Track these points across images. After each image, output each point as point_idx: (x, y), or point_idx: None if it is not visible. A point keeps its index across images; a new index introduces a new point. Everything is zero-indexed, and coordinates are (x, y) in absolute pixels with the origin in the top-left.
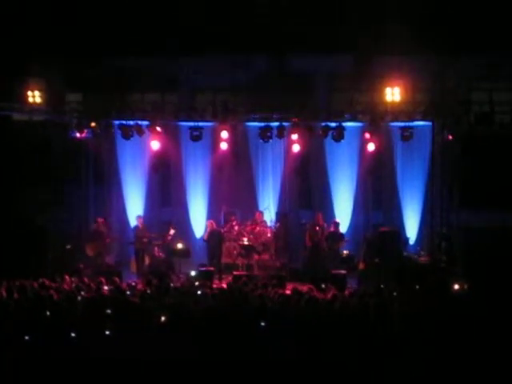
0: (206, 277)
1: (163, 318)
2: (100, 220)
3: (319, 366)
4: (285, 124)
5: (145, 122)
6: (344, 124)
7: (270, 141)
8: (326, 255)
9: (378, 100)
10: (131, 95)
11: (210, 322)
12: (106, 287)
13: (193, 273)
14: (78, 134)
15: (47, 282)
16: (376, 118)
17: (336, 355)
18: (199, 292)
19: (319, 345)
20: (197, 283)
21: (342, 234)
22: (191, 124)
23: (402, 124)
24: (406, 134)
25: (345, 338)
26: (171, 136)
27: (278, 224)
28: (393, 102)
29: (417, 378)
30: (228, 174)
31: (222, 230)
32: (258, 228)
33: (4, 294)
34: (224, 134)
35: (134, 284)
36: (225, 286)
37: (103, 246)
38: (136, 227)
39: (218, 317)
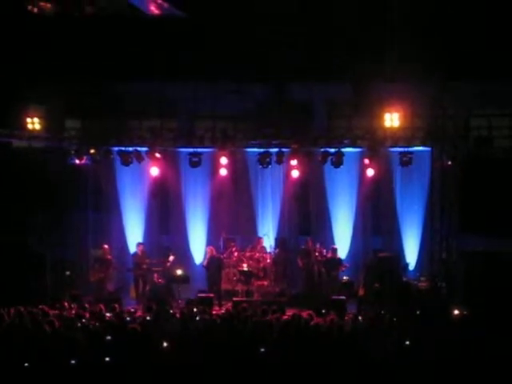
0: (205, 303)
1: (165, 345)
2: (105, 247)
3: None
4: (284, 150)
5: (144, 149)
6: (343, 150)
7: (270, 167)
8: (323, 280)
9: (377, 125)
10: (130, 122)
11: (210, 348)
12: (105, 314)
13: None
14: (77, 161)
15: (47, 309)
16: (375, 144)
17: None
18: (198, 318)
19: (318, 370)
20: (195, 309)
21: (339, 260)
22: (190, 150)
23: (401, 149)
24: (405, 160)
25: (344, 364)
26: (170, 162)
27: (278, 250)
28: (392, 128)
29: None
30: (227, 200)
31: (222, 256)
32: (257, 254)
33: (3, 320)
34: (223, 160)
35: (133, 310)
36: (224, 312)
37: (107, 272)
38: (135, 254)
39: (218, 343)
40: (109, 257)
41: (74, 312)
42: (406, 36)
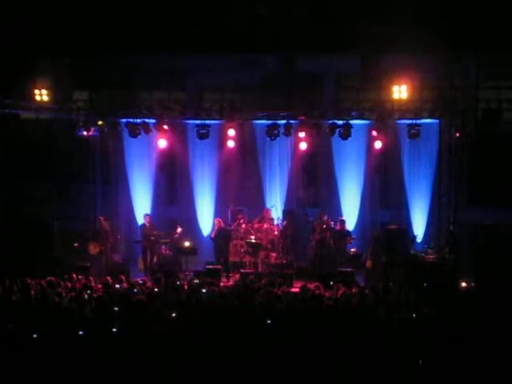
0: (213, 275)
1: (174, 315)
2: (102, 219)
3: (324, 364)
4: (292, 122)
5: (152, 120)
6: (351, 122)
7: (277, 139)
8: (332, 253)
9: (385, 98)
10: (138, 93)
11: (217, 319)
12: (113, 285)
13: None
14: (85, 132)
15: (55, 281)
16: (383, 116)
17: (340, 353)
18: (205, 290)
19: (325, 342)
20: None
21: (348, 232)
22: (198, 122)
23: (409, 121)
24: (413, 132)
25: (350, 336)
26: (178, 134)
27: (285, 222)
28: (400, 100)
29: (421, 376)
30: (235, 172)
31: (230, 228)
32: (265, 226)
33: (11, 291)
34: (231, 132)
35: (141, 282)
36: (232, 283)
37: (106, 244)
38: (143, 225)
39: (225, 315)
40: (105, 228)
41: (81, 283)
42: (415, 7)
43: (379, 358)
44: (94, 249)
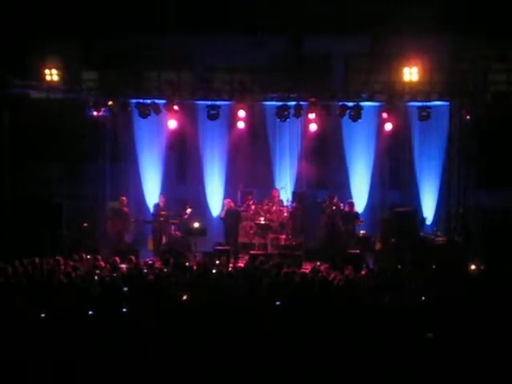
0: (222, 256)
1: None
2: (123, 199)
3: (333, 345)
4: (302, 103)
5: (162, 101)
6: (361, 104)
7: (287, 120)
8: (341, 235)
9: (395, 80)
10: (148, 73)
11: (226, 300)
12: (122, 265)
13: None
14: (95, 113)
15: (63, 260)
16: (393, 98)
17: (347, 334)
18: (215, 271)
19: (333, 324)
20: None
21: (356, 214)
22: (208, 103)
23: (420, 104)
24: (424, 114)
25: (358, 319)
26: (188, 115)
27: (295, 203)
28: (410, 82)
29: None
30: (245, 153)
31: (239, 209)
32: (274, 207)
33: (20, 271)
34: (241, 113)
35: (151, 262)
36: (241, 265)
37: (125, 225)
38: (157, 205)
39: (234, 296)
40: (125, 209)
41: (91, 263)
42: None
43: (387, 340)
44: (112, 228)
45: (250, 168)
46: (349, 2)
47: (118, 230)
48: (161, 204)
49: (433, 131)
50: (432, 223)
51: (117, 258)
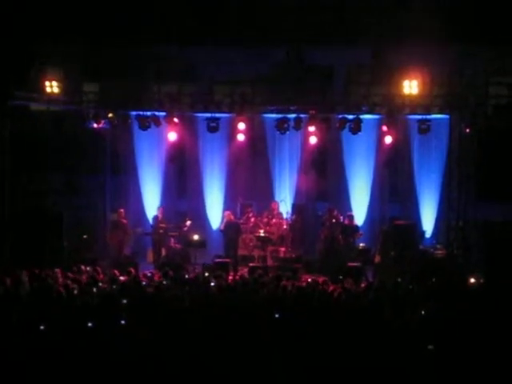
0: (221, 268)
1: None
2: (121, 211)
3: (331, 358)
4: (302, 116)
5: (162, 113)
6: (361, 116)
7: (287, 133)
8: (341, 248)
9: (395, 92)
10: (148, 86)
11: (224, 313)
12: (121, 277)
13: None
14: (95, 125)
15: (62, 272)
16: (393, 111)
17: (347, 349)
18: (213, 283)
19: (332, 336)
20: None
21: (356, 227)
22: (208, 115)
23: (420, 117)
24: (424, 127)
25: (357, 332)
26: (188, 127)
27: (295, 216)
28: (410, 95)
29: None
30: (245, 165)
31: (239, 222)
32: (274, 220)
33: (19, 282)
34: (241, 126)
35: (150, 275)
36: (240, 277)
37: (125, 236)
38: (156, 217)
39: (232, 308)
40: (124, 221)
41: (90, 275)
42: (426, 1)
43: (386, 354)
44: (112, 240)
45: (250, 180)
46: (349, 13)
47: (118, 241)
48: (159, 216)
49: (432, 144)
50: (431, 236)
51: (116, 271)
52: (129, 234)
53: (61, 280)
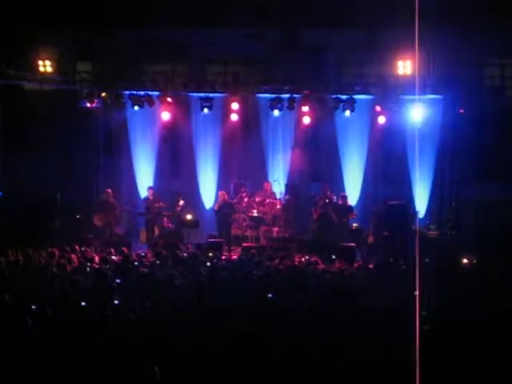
0: (215, 248)
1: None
2: (108, 191)
3: (325, 338)
4: (295, 96)
5: (155, 93)
6: (355, 96)
7: (281, 113)
8: (334, 227)
9: (389, 73)
10: (142, 65)
11: (217, 293)
12: (114, 257)
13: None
14: (88, 104)
15: (56, 252)
16: (387, 91)
17: (340, 328)
18: (208, 263)
19: (326, 317)
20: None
21: (350, 207)
22: (202, 95)
23: (413, 97)
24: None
25: (351, 312)
26: (182, 107)
27: (288, 196)
28: (404, 75)
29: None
30: (238, 145)
31: (233, 202)
32: (267, 200)
33: (12, 262)
34: (234, 106)
35: (143, 254)
36: (234, 257)
37: (112, 216)
38: (146, 198)
39: (226, 289)
40: (112, 200)
41: (83, 255)
42: None
43: (379, 334)
44: (99, 220)
45: (243, 160)
46: None
47: (107, 221)
48: (150, 197)
49: (426, 124)
50: (424, 216)
51: (112, 250)
52: (117, 214)
53: (55, 260)
